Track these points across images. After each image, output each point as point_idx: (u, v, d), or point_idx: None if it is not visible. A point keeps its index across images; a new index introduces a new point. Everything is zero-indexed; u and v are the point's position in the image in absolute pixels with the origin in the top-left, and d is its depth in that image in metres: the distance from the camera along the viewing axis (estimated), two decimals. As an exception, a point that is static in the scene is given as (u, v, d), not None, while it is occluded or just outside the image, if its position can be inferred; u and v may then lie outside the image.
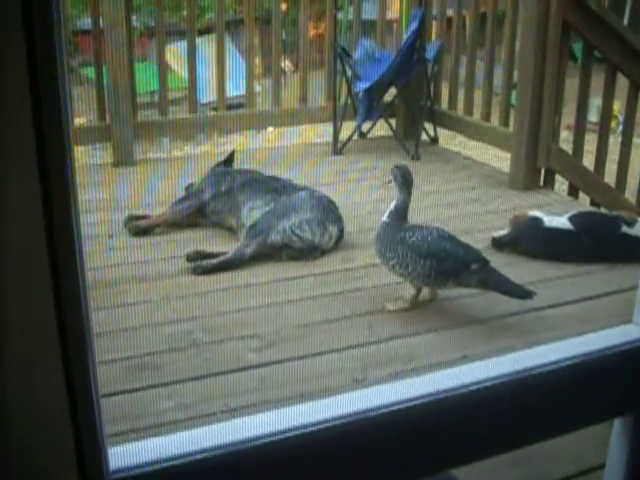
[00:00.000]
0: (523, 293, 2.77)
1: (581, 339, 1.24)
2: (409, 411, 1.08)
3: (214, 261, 3.19)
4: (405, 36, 4.97)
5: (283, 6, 5.54)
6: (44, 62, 0.70)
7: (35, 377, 0.79)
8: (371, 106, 4.91)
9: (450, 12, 5.26)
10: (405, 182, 2.88)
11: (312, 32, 5.83)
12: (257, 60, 5.80)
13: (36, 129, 0.72)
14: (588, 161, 4.39)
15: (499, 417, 1.19)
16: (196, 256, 3.22)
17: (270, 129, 5.47)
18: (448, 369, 1.19)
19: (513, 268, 3.29)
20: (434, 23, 5.43)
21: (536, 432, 1.22)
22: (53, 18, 0.70)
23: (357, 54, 5.09)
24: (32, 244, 0.75)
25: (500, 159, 4.94)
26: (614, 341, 1.22)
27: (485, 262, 2.84)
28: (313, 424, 1.06)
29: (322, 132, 5.26)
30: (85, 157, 4.85)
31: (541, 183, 4.41)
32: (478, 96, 4.93)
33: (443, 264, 2.79)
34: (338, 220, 3.45)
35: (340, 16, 5.45)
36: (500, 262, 3.35)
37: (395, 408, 1.07)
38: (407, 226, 2.90)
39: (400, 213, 2.90)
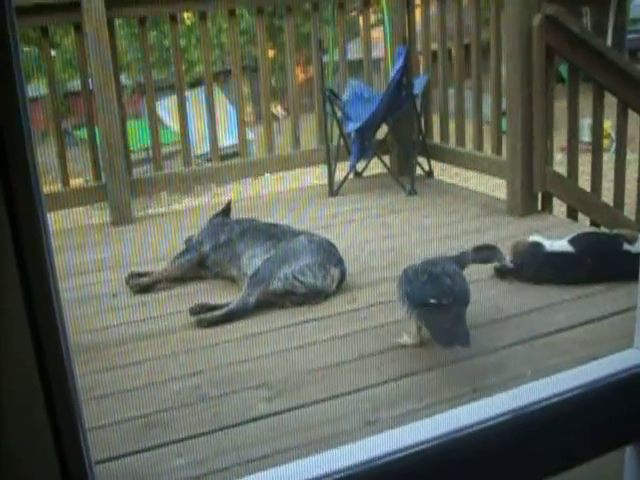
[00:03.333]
0: (444, 341, 2.65)
1: (582, 368, 1.23)
2: (412, 457, 1.07)
3: (218, 313, 3.18)
4: (392, 73, 5.02)
5: (270, 53, 5.61)
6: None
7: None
8: (364, 145, 4.94)
9: (435, 45, 5.31)
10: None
11: (301, 76, 5.90)
12: (248, 108, 5.86)
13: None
14: (585, 181, 4.40)
15: (507, 454, 1.18)
16: (200, 309, 3.21)
17: (267, 175, 5.50)
18: (451, 410, 1.18)
19: (517, 295, 3.28)
20: (420, 57, 5.48)
21: (546, 466, 1.20)
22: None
23: (346, 95, 5.14)
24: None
25: (497, 187, 4.95)
26: (616, 368, 1.21)
27: (440, 304, 2.69)
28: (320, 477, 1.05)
29: (318, 174, 5.29)
30: (84, 217, 4.89)
31: (539, 207, 4.41)
32: (469, 126, 4.96)
33: (411, 295, 2.74)
34: (339, 262, 3.43)
35: (326, 59, 5.51)
36: (503, 290, 3.35)
37: (397, 456, 1.06)
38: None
39: (458, 257, 2.95)
